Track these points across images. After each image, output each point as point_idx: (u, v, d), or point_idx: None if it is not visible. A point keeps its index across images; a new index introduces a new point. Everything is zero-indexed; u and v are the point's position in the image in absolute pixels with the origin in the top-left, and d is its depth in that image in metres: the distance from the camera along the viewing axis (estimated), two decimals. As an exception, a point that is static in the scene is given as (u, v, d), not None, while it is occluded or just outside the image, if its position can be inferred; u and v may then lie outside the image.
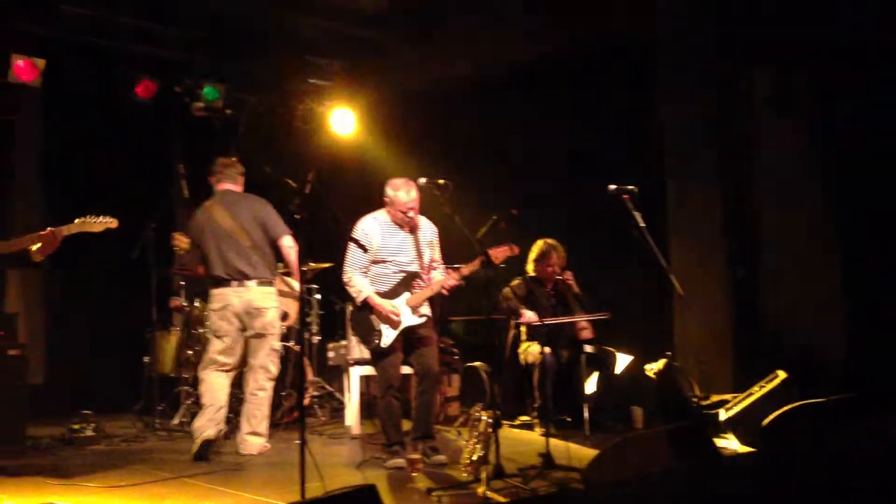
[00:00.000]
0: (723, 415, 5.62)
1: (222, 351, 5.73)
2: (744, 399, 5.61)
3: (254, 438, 5.70)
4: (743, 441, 5.45)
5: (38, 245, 3.87)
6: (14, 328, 5.86)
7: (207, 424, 5.59)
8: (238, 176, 6.01)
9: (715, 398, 6.02)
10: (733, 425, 5.54)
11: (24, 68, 6.76)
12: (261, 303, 5.73)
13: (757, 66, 6.65)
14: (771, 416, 5.08)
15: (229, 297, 5.69)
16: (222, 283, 5.72)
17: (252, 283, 5.71)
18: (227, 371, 5.78)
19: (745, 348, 6.65)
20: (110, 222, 4.26)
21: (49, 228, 3.91)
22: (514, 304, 6.56)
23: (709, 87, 6.85)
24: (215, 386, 5.70)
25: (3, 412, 5.48)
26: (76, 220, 4.12)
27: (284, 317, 6.10)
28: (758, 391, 5.56)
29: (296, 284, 6.52)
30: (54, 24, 6.99)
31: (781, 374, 5.55)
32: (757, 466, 4.64)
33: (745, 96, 6.73)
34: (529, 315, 6.54)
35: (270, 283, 5.83)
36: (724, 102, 6.81)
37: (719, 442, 5.32)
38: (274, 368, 5.85)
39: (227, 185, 5.96)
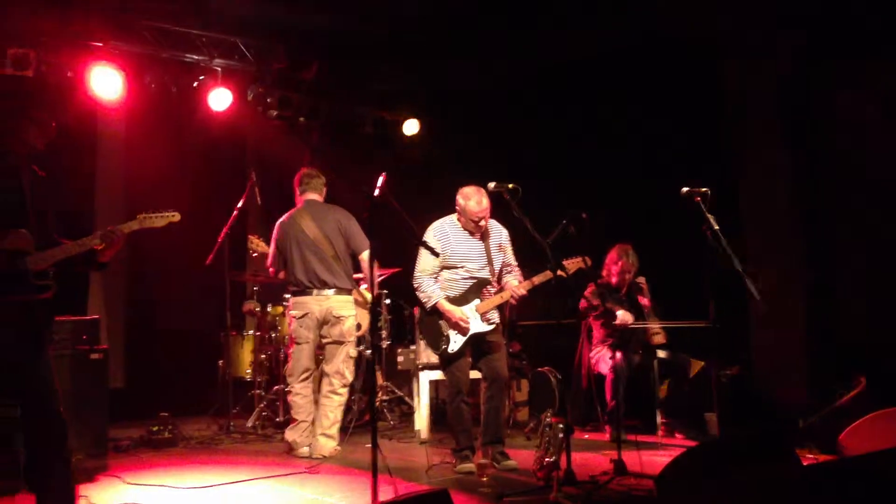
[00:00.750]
0: (801, 422, 5.47)
1: (305, 357, 5.93)
2: (823, 406, 5.45)
3: (325, 440, 5.81)
4: (823, 449, 5.29)
5: (102, 245, 3.96)
6: (97, 333, 6.03)
7: (303, 440, 5.87)
8: (322, 187, 6.19)
9: (792, 405, 5.87)
10: (812, 433, 5.38)
11: (105, 81, 6.99)
12: (339, 311, 5.89)
13: (834, 58, 6.46)
14: (853, 424, 4.94)
15: (310, 305, 5.86)
16: (304, 290, 5.88)
17: (331, 292, 5.88)
18: (311, 377, 5.98)
19: (823, 353, 6.46)
20: (172, 216, 4.26)
21: (109, 227, 3.98)
22: (608, 305, 6.44)
23: (785, 82, 6.68)
24: (304, 397, 5.93)
25: (86, 415, 5.65)
26: (137, 217, 4.18)
27: (358, 327, 6.22)
28: (839, 398, 5.39)
29: (368, 295, 6.62)
30: (134, 38, 7.21)
31: (864, 381, 5.37)
32: (838, 475, 4.49)
33: (822, 91, 6.54)
34: (623, 315, 6.43)
35: (349, 292, 5.98)
36: (801, 99, 6.63)
37: (798, 450, 5.17)
38: (349, 375, 5.99)
39: (312, 196, 6.13)
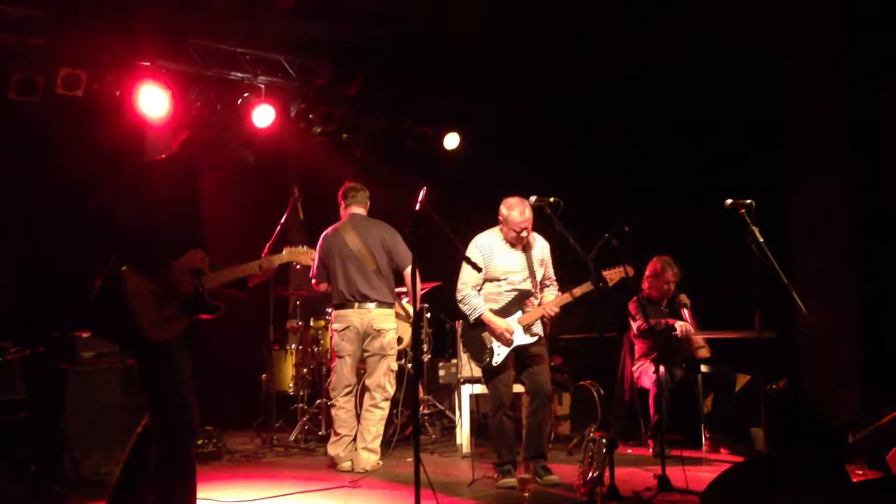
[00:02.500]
0: (851, 438, 5.36)
1: (347, 370, 5.97)
2: (873, 422, 5.33)
3: (367, 454, 5.83)
4: (872, 466, 5.18)
5: (258, 272, 4.12)
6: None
7: (345, 455, 5.89)
8: (366, 200, 6.26)
9: (842, 420, 5.75)
10: (862, 449, 5.27)
11: (151, 99, 7.12)
12: (380, 324, 5.92)
13: (887, 72, 6.35)
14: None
15: (351, 318, 5.92)
16: (345, 303, 5.92)
17: (372, 305, 5.91)
18: (353, 391, 6.03)
19: (874, 368, 6.33)
20: (309, 252, 4.63)
21: (265, 256, 4.15)
22: (664, 322, 6.34)
23: (838, 92, 6.58)
24: (347, 411, 5.97)
25: (133, 427, 5.73)
26: (284, 251, 4.43)
27: (399, 341, 6.24)
28: (889, 413, 5.28)
29: (410, 309, 6.66)
30: (180, 57, 7.35)
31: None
32: (888, 493, 4.40)
33: (875, 102, 6.42)
34: (682, 325, 6.34)
35: (390, 306, 6.01)
36: (854, 109, 6.51)
37: (848, 466, 5.06)
38: (391, 388, 6.01)
39: (356, 209, 6.19)
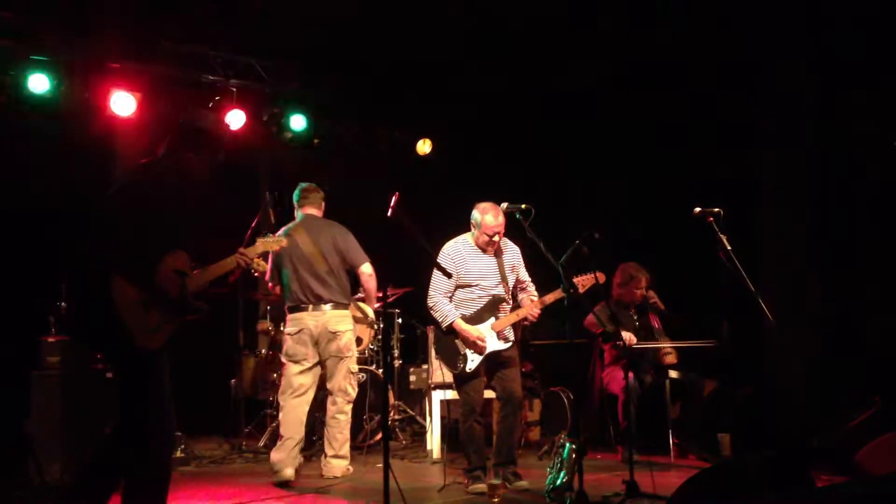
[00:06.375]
0: (816, 443, 5.43)
1: (298, 374, 5.76)
2: (838, 427, 5.41)
3: (337, 461, 5.77)
4: (838, 471, 5.25)
5: (236, 267, 4.21)
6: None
7: (287, 461, 5.58)
8: (321, 201, 6.14)
9: (807, 426, 5.83)
10: (827, 454, 5.34)
11: (121, 102, 7.04)
12: (336, 326, 5.79)
13: (855, 87, 6.44)
14: (868, 445, 4.91)
15: (305, 321, 5.78)
16: (299, 306, 5.82)
17: (327, 307, 5.79)
18: (303, 394, 5.78)
19: (838, 374, 6.42)
20: (281, 241, 4.86)
21: (241, 250, 4.28)
22: (610, 328, 6.37)
23: (806, 109, 6.67)
24: (294, 415, 5.71)
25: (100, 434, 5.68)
26: (258, 241, 4.59)
27: (358, 342, 6.16)
28: (854, 418, 5.36)
29: (370, 311, 6.61)
30: (151, 58, 7.27)
31: (879, 402, 5.33)
32: (853, 496, 4.45)
33: (844, 119, 6.52)
34: (629, 336, 6.40)
35: (345, 307, 5.91)
36: (822, 126, 6.60)
37: (813, 471, 5.12)
38: (352, 391, 5.91)
39: (310, 210, 6.09)
